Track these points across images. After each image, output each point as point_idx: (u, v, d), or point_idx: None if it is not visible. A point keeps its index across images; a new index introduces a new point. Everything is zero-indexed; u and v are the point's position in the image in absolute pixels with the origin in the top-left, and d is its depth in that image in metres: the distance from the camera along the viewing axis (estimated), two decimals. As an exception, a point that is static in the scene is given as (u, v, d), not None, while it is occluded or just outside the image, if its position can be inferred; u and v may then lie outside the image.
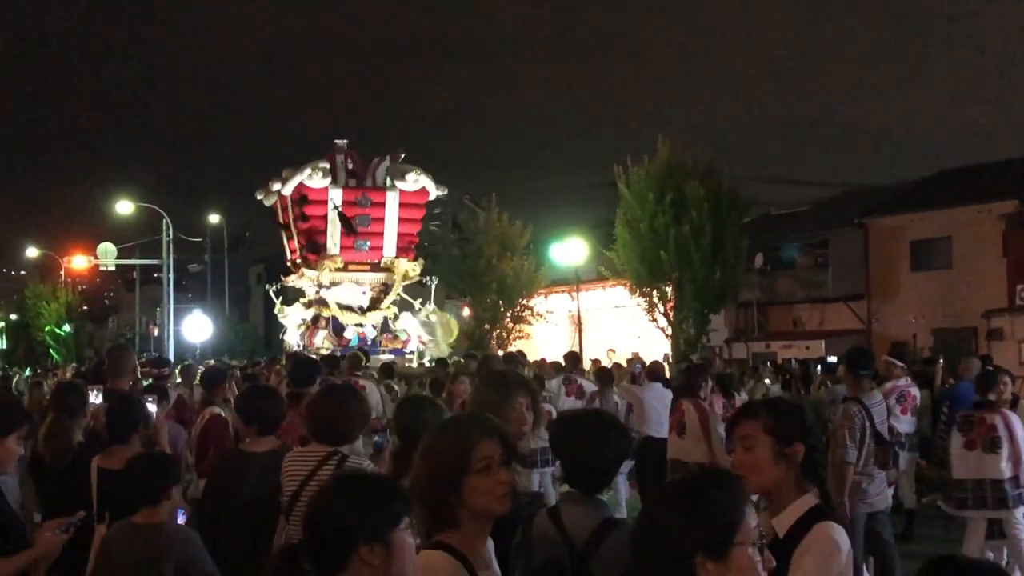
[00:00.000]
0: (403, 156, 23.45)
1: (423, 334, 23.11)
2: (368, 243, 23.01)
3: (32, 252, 59.23)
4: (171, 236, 40.12)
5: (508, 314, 36.33)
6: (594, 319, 37.26)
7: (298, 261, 23.41)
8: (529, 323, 36.98)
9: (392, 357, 21.84)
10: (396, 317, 23.35)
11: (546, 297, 38.69)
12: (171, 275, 41.00)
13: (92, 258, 43.97)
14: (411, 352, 22.92)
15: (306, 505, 2.71)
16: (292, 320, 23.31)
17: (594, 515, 3.47)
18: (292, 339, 22.73)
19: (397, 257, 23.29)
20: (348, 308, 22.78)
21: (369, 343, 22.03)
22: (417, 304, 23.63)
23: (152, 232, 42.91)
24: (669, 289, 29.34)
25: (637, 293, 30.20)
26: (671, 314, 29.56)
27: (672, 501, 2.38)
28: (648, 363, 16.01)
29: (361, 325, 22.78)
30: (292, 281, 23.91)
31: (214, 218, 47.17)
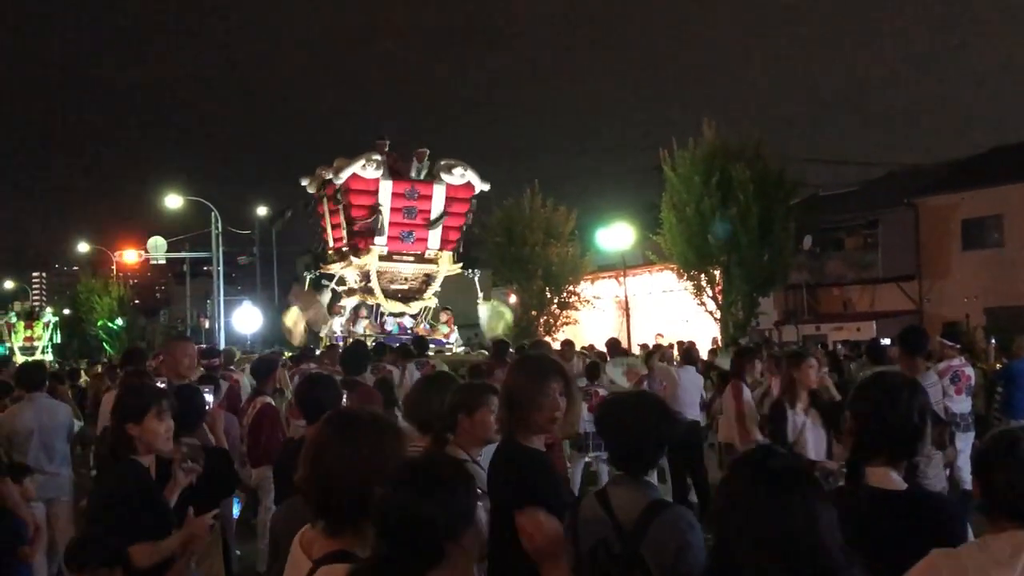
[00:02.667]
0: (427, 154, 23.46)
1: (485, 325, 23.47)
2: (414, 234, 23.09)
3: (83, 247, 59.89)
4: (220, 229, 40.42)
5: (555, 300, 36.32)
6: (642, 304, 37.16)
7: (344, 249, 23.48)
8: (576, 309, 36.94)
9: (433, 347, 22.01)
10: (436, 308, 23.46)
11: (593, 283, 38.63)
12: (221, 268, 41.34)
13: (143, 252, 44.43)
14: (451, 343, 23.01)
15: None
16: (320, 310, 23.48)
17: (642, 497, 3.44)
18: (335, 327, 22.82)
19: (441, 250, 23.35)
20: (393, 297, 22.89)
21: (408, 333, 22.13)
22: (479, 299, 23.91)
23: (201, 225, 43.31)
24: (717, 272, 29.19)
25: (685, 277, 30.05)
26: (719, 297, 29.42)
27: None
28: (684, 345, 16.28)
29: (402, 315, 22.88)
30: (334, 268, 23.99)
31: (262, 210, 47.45)
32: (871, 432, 3.41)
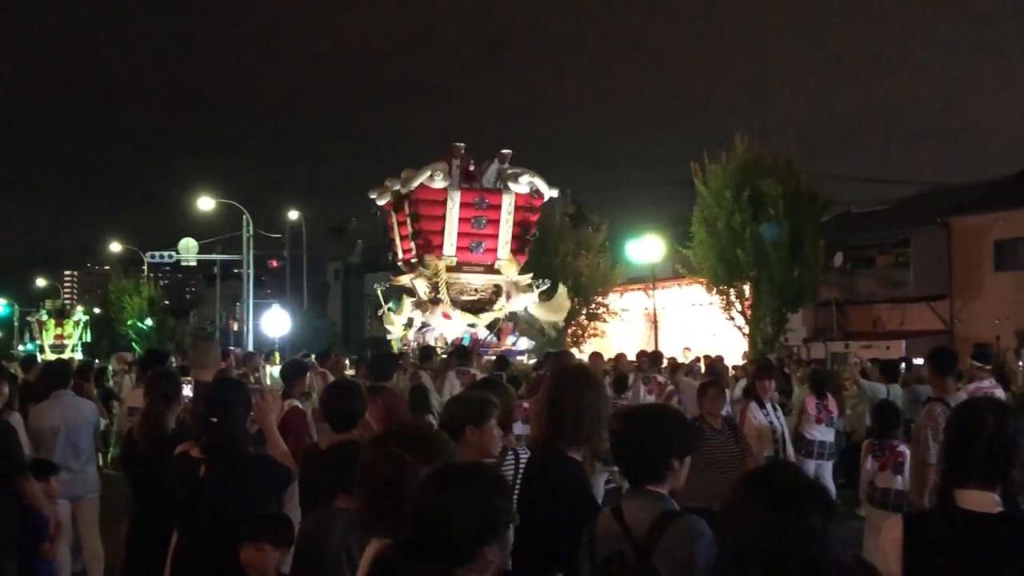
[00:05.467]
0: (509, 156, 23.41)
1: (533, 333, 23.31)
2: (483, 245, 22.95)
3: (116, 247, 60.28)
4: (251, 232, 40.61)
5: (583, 312, 36.21)
6: (670, 317, 37.04)
7: (412, 260, 23.36)
8: (604, 321, 36.85)
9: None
10: (507, 319, 23.27)
11: (622, 295, 38.54)
12: (251, 271, 41.50)
13: (174, 253, 44.64)
14: (522, 352, 22.82)
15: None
16: (399, 322, 23.43)
17: (653, 508, 3.47)
18: (410, 337, 22.73)
19: (509, 260, 23.20)
20: (463, 308, 22.71)
21: (482, 343, 21.96)
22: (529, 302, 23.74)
23: (233, 228, 43.51)
24: (747, 287, 29.07)
25: (714, 291, 29.95)
26: (748, 313, 29.29)
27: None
28: (709, 359, 16.26)
29: (473, 325, 22.70)
30: (404, 280, 23.94)
31: (293, 214, 47.63)
32: (960, 455, 3.35)
